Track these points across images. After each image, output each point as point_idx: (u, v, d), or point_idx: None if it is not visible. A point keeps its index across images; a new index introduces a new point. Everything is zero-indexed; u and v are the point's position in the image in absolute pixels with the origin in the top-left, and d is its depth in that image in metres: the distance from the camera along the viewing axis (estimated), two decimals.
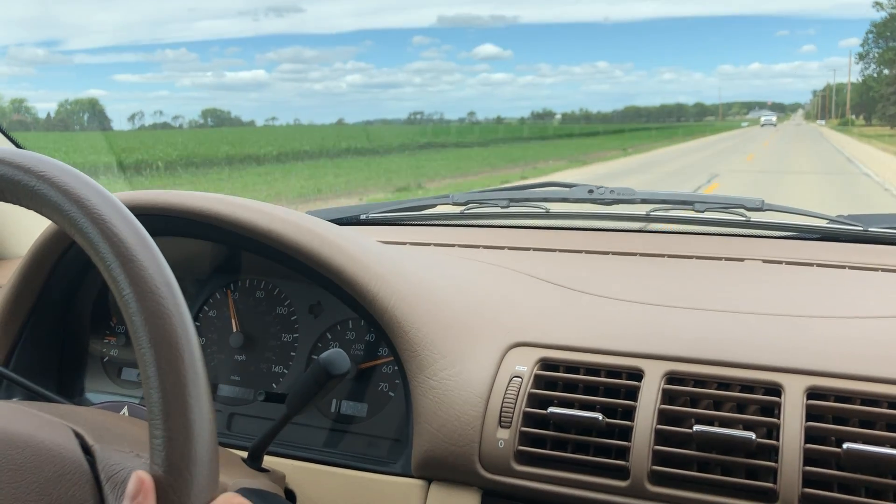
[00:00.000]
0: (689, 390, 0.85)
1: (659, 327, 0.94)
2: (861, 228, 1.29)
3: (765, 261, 1.20)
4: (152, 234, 0.55)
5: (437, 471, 0.89)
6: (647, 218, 1.42)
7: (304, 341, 1.09)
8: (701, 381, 0.85)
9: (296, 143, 27.94)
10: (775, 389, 0.82)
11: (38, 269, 1.04)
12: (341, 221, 1.49)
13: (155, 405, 0.50)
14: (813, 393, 0.81)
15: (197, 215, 0.98)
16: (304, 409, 0.83)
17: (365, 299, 0.95)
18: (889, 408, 0.78)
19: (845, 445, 0.75)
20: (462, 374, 0.90)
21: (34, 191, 0.55)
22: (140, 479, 0.49)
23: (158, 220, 0.99)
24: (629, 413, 0.84)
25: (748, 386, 0.84)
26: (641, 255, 1.26)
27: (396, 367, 0.99)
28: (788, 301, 1.02)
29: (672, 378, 0.86)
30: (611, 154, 26.83)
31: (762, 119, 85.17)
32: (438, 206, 1.56)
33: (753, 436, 0.78)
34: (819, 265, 1.17)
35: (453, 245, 1.33)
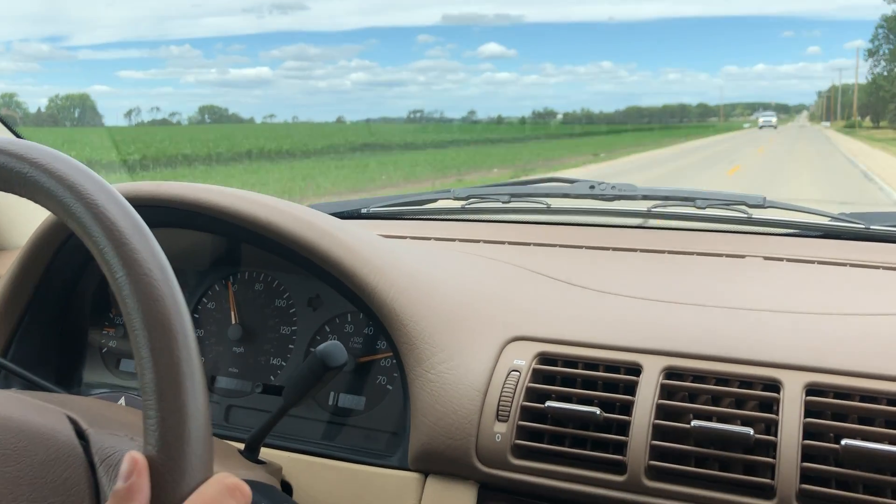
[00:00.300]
0: (688, 385, 0.84)
1: (658, 323, 0.94)
2: (863, 226, 1.29)
3: (766, 258, 1.20)
4: (151, 226, 0.55)
5: (433, 464, 0.89)
6: (648, 214, 1.42)
7: (302, 334, 1.09)
8: (700, 376, 0.85)
9: (287, 141, 26.52)
10: (774, 385, 0.82)
11: (37, 259, 1.04)
12: (342, 215, 1.49)
13: (148, 385, 0.49)
14: (812, 389, 0.81)
15: (197, 207, 0.98)
16: (302, 402, 0.83)
17: (364, 292, 0.94)
18: (888, 405, 0.78)
19: (843, 442, 0.75)
20: (460, 367, 0.90)
21: (26, 177, 0.55)
22: (133, 459, 0.48)
23: (158, 212, 0.99)
24: (627, 408, 0.84)
25: (747, 382, 0.83)
26: (642, 251, 1.26)
27: (394, 361, 0.99)
28: (789, 298, 1.02)
29: (671, 373, 0.85)
30: (578, 160, 21.96)
31: (760, 120, 74.27)
32: (439, 201, 1.56)
33: (752, 431, 0.78)
34: (820, 262, 1.17)
35: (454, 239, 1.33)
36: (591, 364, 0.89)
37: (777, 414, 0.80)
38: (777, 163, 20.19)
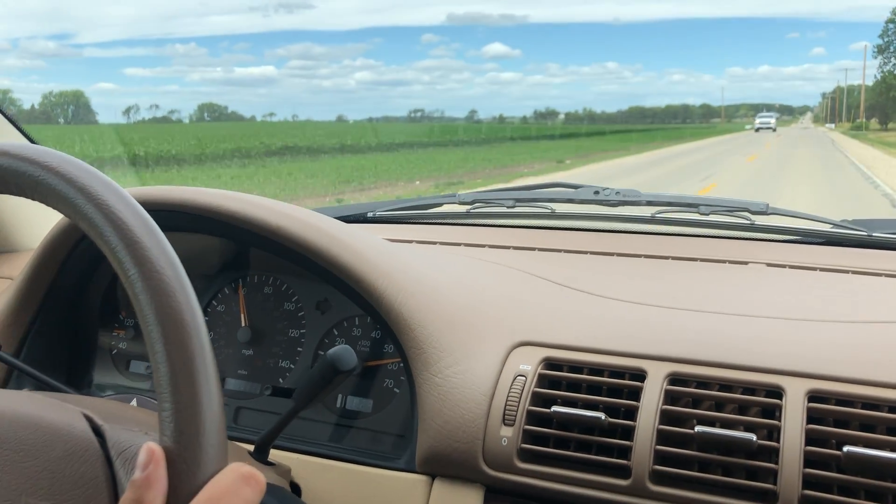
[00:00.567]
0: (692, 391, 0.85)
1: (662, 329, 0.95)
2: (865, 233, 1.30)
3: (768, 264, 1.21)
4: (163, 230, 0.56)
5: (440, 467, 0.90)
6: (651, 220, 1.43)
7: (310, 337, 1.10)
8: (703, 382, 0.86)
9: (274, 139, 25.56)
10: (777, 392, 0.83)
11: (49, 261, 1.05)
12: (348, 219, 1.50)
13: (163, 378, 0.51)
14: (814, 396, 0.82)
15: (207, 212, 0.99)
16: (311, 404, 0.84)
17: (371, 296, 0.96)
18: (890, 412, 0.79)
19: (845, 448, 0.76)
20: (467, 371, 0.91)
21: (39, 181, 0.56)
22: (150, 450, 0.50)
23: (169, 216, 1.00)
24: (632, 413, 0.85)
25: (750, 388, 0.85)
26: (646, 256, 1.27)
27: (402, 364, 1.00)
28: (791, 304, 1.03)
29: (675, 379, 0.87)
30: (539, 167, 18.82)
31: (757, 121, 62.22)
32: (445, 206, 1.57)
33: (754, 437, 0.79)
34: (822, 269, 1.18)
35: (459, 244, 1.34)
36: (596, 369, 0.90)
37: (780, 420, 0.81)
38: (766, 180, 14.76)
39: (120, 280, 0.54)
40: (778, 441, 0.79)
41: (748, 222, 1.35)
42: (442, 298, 0.99)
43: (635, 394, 0.86)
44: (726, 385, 0.85)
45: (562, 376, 0.90)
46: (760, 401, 0.83)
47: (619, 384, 0.88)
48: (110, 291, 1.16)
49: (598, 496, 0.83)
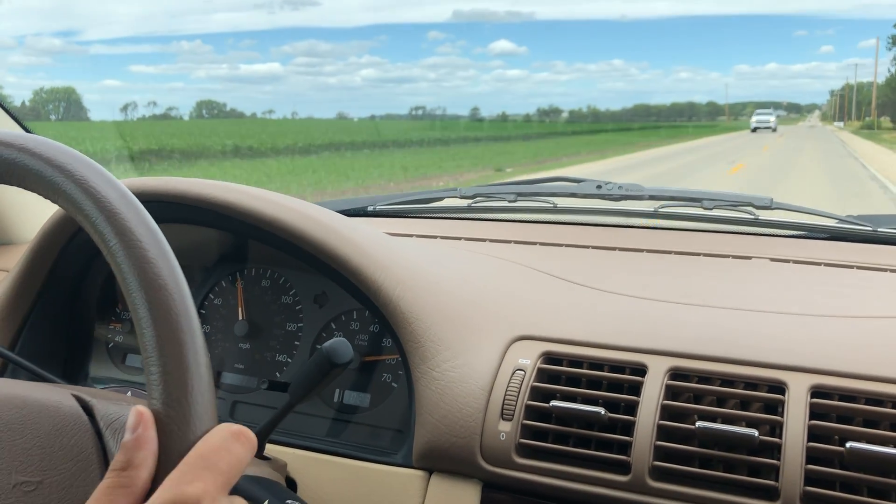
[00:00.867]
0: (693, 386, 0.84)
1: (663, 323, 0.94)
2: (870, 229, 1.29)
3: (772, 259, 1.20)
4: (158, 221, 0.56)
5: (438, 462, 0.89)
6: (655, 214, 1.42)
7: (308, 331, 1.09)
8: (705, 377, 0.85)
9: (268, 138, 24.45)
10: (779, 387, 0.82)
11: (45, 254, 1.04)
12: (349, 212, 1.49)
13: (149, 343, 0.51)
14: (817, 391, 0.81)
15: (204, 203, 0.98)
16: (307, 398, 0.83)
17: (370, 290, 0.95)
18: (893, 408, 0.78)
19: (848, 444, 0.75)
20: (465, 366, 0.90)
21: (15, 163, 0.56)
22: (139, 412, 0.50)
23: (165, 208, 0.99)
24: (632, 408, 0.84)
25: (752, 383, 0.83)
26: (648, 251, 1.26)
27: (400, 358, 0.99)
28: (795, 300, 1.02)
29: (676, 374, 0.85)
30: (470, 177, 15.02)
31: (753, 119, 52.19)
32: (446, 199, 1.56)
33: (756, 433, 0.78)
34: (827, 265, 1.17)
35: (460, 238, 1.33)
36: (596, 364, 0.89)
37: (782, 416, 0.79)
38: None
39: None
40: (780, 437, 0.78)
41: (752, 217, 1.34)
42: (441, 292, 0.98)
43: (636, 389, 0.85)
44: (728, 380, 0.84)
45: (561, 371, 0.89)
46: (763, 396, 0.82)
47: (620, 379, 0.87)
48: (107, 284, 1.15)
49: (597, 492, 0.82)
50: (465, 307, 0.97)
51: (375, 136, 28.32)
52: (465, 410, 0.88)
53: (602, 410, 0.83)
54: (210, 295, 1.15)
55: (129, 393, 0.92)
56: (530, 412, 0.86)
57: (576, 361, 0.90)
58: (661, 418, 0.82)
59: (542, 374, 0.89)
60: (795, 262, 1.18)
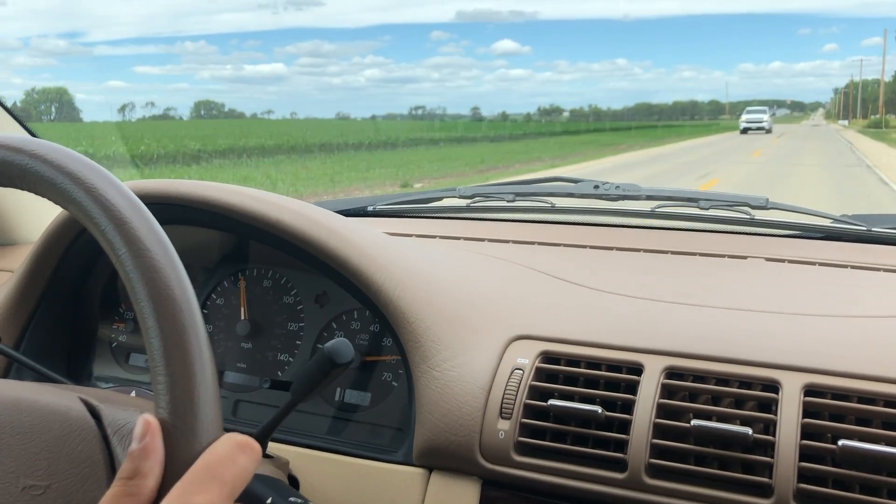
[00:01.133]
0: (688, 385, 0.86)
1: (660, 323, 0.95)
2: (865, 228, 1.30)
3: (767, 259, 1.21)
4: (161, 223, 0.57)
5: (438, 460, 0.91)
6: (651, 214, 1.43)
7: (309, 330, 1.10)
8: (700, 376, 0.86)
9: (260, 138, 23.74)
10: (773, 386, 0.83)
11: (49, 254, 1.06)
12: (348, 213, 1.50)
13: (156, 352, 0.51)
14: (810, 390, 0.82)
15: (206, 205, 1.00)
16: (309, 397, 0.84)
17: (370, 290, 0.96)
18: (885, 406, 0.79)
19: (841, 442, 0.76)
20: (464, 365, 0.92)
21: (26, 169, 0.56)
22: (146, 421, 0.50)
23: (167, 209, 1.01)
24: (628, 407, 0.85)
25: (746, 382, 0.85)
26: (645, 251, 1.27)
27: (400, 358, 1.00)
28: (789, 299, 1.03)
29: (671, 373, 0.87)
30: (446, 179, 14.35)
31: (743, 119, 45.43)
32: (445, 199, 1.58)
33: (750, 431, 0.79)
34: (821, 264, 1.18)
35: (459, 238, 1.34)
36: (594, 363, 0.90)
37: (776, 414, 0.81)
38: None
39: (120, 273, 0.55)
40: (774, 435, 0.80)
41: (748, 217, 1.35)
42: (440, 292, 0.99)
43: (632, 387, 0.86)
44: (723, 379, 0.85)
45: (559, 370, 0.90)
46: (757, 395, 0.83)
47: (616, 378, 0.88)
48: (110, 284, 1.17)
49: (594, 489, 0.84)
50: (465, 307, 0.98)
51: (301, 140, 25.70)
52: (465, 409, 0.89)
53: (599, 409, 0.85)
54: (212, 295, 1.16)
55: (134, 392, 0.94)
56: (529, 411, 0.88)
57: (573, 361, 0.91)
58: (657, 416, 0.83)
59: (540, 374, 0.90)
60: (791, 261, 1.19)
